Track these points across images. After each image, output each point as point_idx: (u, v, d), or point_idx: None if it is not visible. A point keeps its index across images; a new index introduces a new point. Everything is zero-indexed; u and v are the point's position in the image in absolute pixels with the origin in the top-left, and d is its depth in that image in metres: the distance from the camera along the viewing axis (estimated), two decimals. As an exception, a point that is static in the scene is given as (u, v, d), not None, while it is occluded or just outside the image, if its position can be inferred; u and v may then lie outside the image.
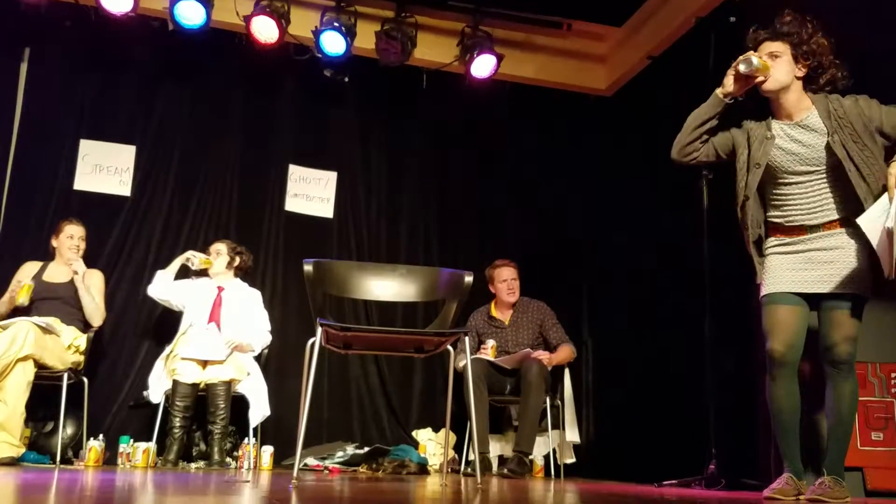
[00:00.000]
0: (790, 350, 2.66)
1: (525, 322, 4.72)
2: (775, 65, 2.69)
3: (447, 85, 5.34)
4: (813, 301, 2.70)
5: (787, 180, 2.73)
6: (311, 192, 5.33)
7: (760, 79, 2.69)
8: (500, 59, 5.10)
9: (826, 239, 2.68)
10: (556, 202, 5.64)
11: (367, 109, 5.48)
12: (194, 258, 4.54)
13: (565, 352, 4.59)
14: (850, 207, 2.64)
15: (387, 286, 2.93)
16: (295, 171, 5.30)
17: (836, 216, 2.67)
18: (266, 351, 4.72)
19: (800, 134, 2.71)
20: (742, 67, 2.69)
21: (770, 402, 2.71)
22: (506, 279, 4.72)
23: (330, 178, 5.37)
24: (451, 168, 5.59)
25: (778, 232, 2.78)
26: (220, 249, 4.65)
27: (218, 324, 4.43)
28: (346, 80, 5.18)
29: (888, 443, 3.13)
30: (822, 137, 2.67)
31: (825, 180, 2.68)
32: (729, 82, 2.75)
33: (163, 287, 4.52)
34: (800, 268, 2.70)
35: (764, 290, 2.76)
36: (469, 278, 2.92)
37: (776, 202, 2.78)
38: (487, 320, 4.78)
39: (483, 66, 5.13)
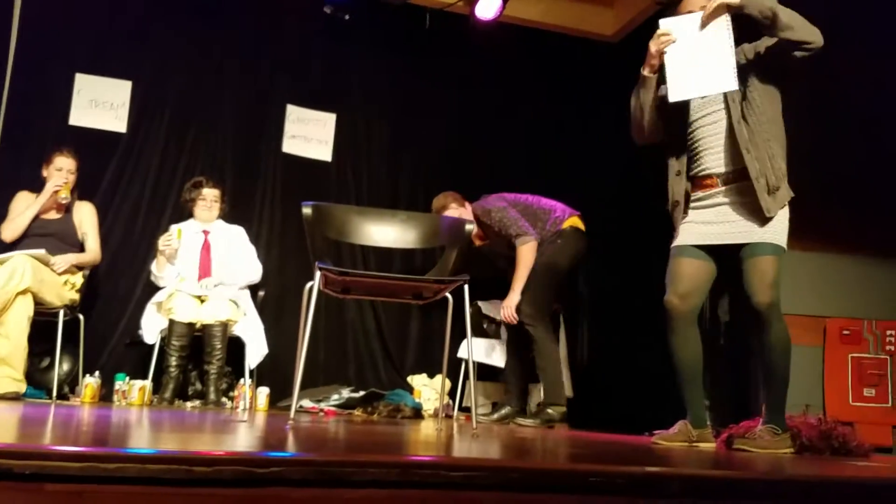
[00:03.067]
0: (683, 301, 2.71)
1: (494, 234, 4.46)
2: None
3: (451, 26, 5.23)
4: (727, 254, 2.71)
5: (697, 121, 2.76)
6: (309, 133, 5.26)
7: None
8: (505, 0, 4.98)
9: (734, 193, 2.68)
10: (558, 147, 5.57)
11: (368, 50, 5.37)
12: (168, 241, 4.39)
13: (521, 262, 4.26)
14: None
15: (387, 232, 2.91)
16: (293, 111, 5.22)
17: (740, 165, 2.66)
18: (262, 293, 4.72)
19: None
20: (653, 47, 2.77)
21: (671, 354, 2.75)
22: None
23: (329, 119, 5.29)
24: (453, 112, 5.50)
25: (695, 188, 2.79)
26: (217, 197, 4.57)
27: (209, 268, 4.41)
28: (348, 17, 5.06)
29: (880, 399, 3.17)
30: None
31: (729, 120, 2.69)
32: (648, 61, 2.81)
33: (164, 273, 4.46)
34: (710, 221, 2.72)
35: (672, 244, 2.81)
36: (471, 226, 2.89)
37: (692, 152, 2.79)
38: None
39: (488, 7, 5.02)
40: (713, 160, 2.72)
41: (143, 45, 4.98)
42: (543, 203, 4.38)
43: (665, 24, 2.77)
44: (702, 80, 2.65)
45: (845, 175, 3.98)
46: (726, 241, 2.68)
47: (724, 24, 2.64)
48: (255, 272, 4.57)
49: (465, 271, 2.72)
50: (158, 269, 4.44)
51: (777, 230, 2.63)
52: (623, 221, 5.06)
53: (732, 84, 2.61)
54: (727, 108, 2.70)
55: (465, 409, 4.71)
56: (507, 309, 4.21)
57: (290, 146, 5.21)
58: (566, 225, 4.28)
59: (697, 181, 2.78)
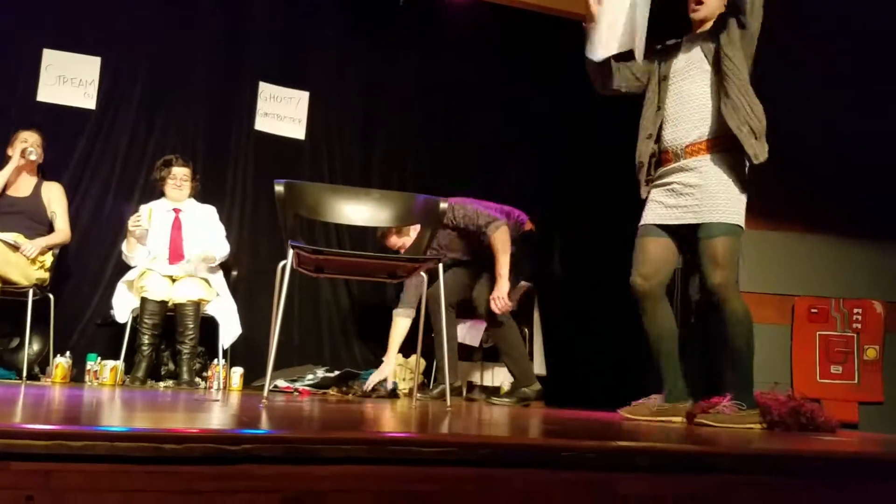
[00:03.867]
0: (647, 281, 2.75)
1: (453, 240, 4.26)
2: None
3: (425, 4, 5.18)
4: (686, 233, 2.73)
5: (674, 86, 2.78)
6: (282, 111, 5.20)
7: None
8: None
9: (687, 170, 2.70)
10: (535, 128, 5.56)
11: (342, 28, 5.30)
12: (137, 222, 4.31)
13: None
14: (718, 128, 2.65)
15: (360, 210, 2.89)
16: (265, 88, 5.15)
17: (701, 136, 2.68)
18: (235, 273, 4.68)
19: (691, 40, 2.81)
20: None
21: (644, 332, 2.80)
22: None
23: (302, 97, 5.24)
24: (428, 91, 5.46)
25: (658, 165, 2.82)
26: (187, 175, 4.50)
27: (180, 247, 4.37)
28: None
29: (847, 376, 3.23)
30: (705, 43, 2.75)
31: (696, 90, 2.72)
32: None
33: (135, 254, 4.40)
34: (665, 199, 2.75)
35: (639, 223, 2.86)
36: (444, 204, 2.89)
37: (663, 118, 2.80)
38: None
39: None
40: (678, 130, 2.73)
41: (113, 21, 4.87)
42: (503, 206, 4.29)
43: None
44: (616, 39, 2.69)
45: (813, 155, 4.02)
46: (683, 222, 2.70)
47: None
48: (222, 250, 4.51)
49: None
50: (129, 250, 4.38)
51: (731, 209, 2.64)
52: (599, 199, 5.08)
53: (639, 55, 2.66)
54: (705, 74, 2.70)
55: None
56: (500, 300, 3.94)
57: (262, 124, 5.14)
58: (528, 228, 4.22)
59: (662, 155, 2.79)
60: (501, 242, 3.92)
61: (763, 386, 2.87)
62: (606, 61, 2.85)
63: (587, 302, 5.20)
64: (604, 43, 2.74)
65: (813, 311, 3.65)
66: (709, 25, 2.75)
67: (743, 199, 2.67)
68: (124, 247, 4.43)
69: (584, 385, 4.92)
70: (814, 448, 1.88)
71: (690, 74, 2.73)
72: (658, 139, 2.79)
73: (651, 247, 2.76)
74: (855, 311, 3.61)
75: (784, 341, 3.66)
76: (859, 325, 3.77)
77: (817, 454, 1.68)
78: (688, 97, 2.72)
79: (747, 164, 2.68)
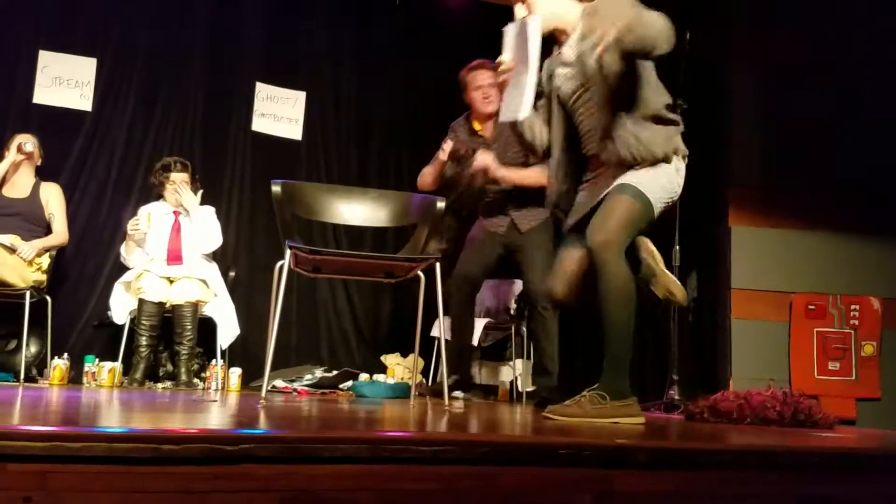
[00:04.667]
0: (563, 291, 2.52)
1: (510, 134, 4.16)
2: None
3: (423, 4, 5.18)
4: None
5: (575, 111, 2.52)
6: (279, 111, 5.20)
7: None
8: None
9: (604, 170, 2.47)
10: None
11: (338, 27, 5.30)
12: (136, 226, 4.30)
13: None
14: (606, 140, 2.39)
15: (357, 210, 2.89)
16: (262, 89, 5.15)
17: (596, 150, 2.44)
18: (233, 273, 4.68)
19: (571, 47, 2.51)
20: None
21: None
22: (480, 85, 3.89)
23: (299, 97, 5.23)
24: (424, 89, 5.46)
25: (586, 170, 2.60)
26: (186, 180, 4.47)
27: (179, 249, 4.36)
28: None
29: (844, 372, 3.24)
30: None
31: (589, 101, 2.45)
32: None
33: (133, 257, 4.39)
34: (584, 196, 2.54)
35: None
36: (441, 204, 2.89)
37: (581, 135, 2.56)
38: (469, 136, 4.03)
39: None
40: (591, 142, 2.51)
41: (109, 22, 4.87)
42: None
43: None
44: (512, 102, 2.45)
45: (810, 153, 4.03)
46: (593, 204, 2.44)
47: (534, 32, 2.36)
48: (215, 240, 4.47)
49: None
50: (127, 253, 4.38)
51: (643, 178, 2.34)
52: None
53: (525, 112, 2.43)
54: (589, 90, 2.45)
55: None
56: (485, 161, 3.65)
57: (259, 125, 5.14)
58: None
59: (589, 161, 2.57)
60: (540, 177, 3.49)
61: (759, 383, 2.88)
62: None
63: (583, 299, 5.18)
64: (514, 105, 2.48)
65: (811, 307, 3.66)
66: None
67: (664, 177, 2.38)
68: (123, 249, 4.42)
69: (582, 384, 4.91)
70: (811, 444, 1.88)
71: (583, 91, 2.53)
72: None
73: (564, 256, 2.54)
74: (852, 307, 3.62)
75: (782, 338, 3.67)
76: (857, 322, 3.78)
77: (815, 450, 1.69)
78: (590, 112, 2.52)
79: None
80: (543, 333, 3.85)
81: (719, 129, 4.05)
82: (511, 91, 2.48)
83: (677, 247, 3.65)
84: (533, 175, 3.63)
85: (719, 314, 3.91)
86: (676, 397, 3.50)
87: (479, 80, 3.88)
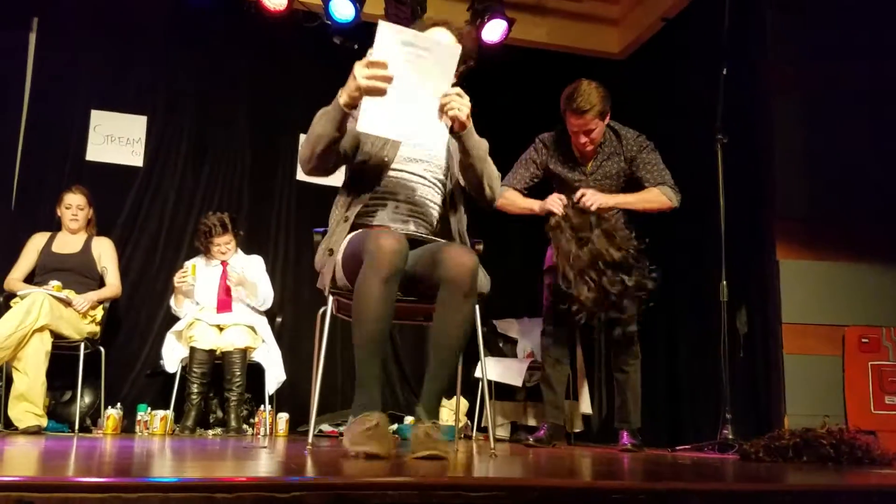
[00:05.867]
0: None
1: (611, 164, 3.63)
2: None
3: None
4: None
5: None
6: (322, 161, 5.31)
7: None
8: (511, 23, 5.02)
9: None
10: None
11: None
12: (183, 277, 4.41)
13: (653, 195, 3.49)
14: None
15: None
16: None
17: None
18: (280, 319, 4.75)
19: None
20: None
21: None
22: (577, 132, 3.57)
23: (341, 146, 5.35)
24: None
25: None
26: (229, 240, 4.54)
27: (228, 298, 4.45)
28: (356, 47, 5.12)
29: (903, 407, 3.14)
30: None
31: None
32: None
33: (182, 308, 4.51)
34: None
35: None
36: (479, 247, 2.90)
37: None
38: (563, 160, 3.70)
39: (494, 30, 5.05)
40: None
41: (157, 81, 5.07)
42: None
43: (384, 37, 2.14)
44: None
45: (855, 182, 3.96)
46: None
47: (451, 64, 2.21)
48: (267, 299, 4.58)
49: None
50: (177, 304, 4.49)
51: None
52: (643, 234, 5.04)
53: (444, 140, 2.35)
54: None
55: (483, 430, 4.69)
56: (593, 197, 3.41)
57: (303, 174, 5.24)
58: None
59: None
60: (663, 201, 3.53)
61: (814, 420, 2.80)
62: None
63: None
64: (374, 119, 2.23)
65: (864, 340, 3.56)
66: None
67: None
68: (172, 302, 4.53)
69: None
70: (871, 482, 1.82)
71: None
72: None
73: None
74: (907, 340, 3.52)
75: (835, 373, 3.57)
76: (913, 354, 3.66)
77: (875, 489, 1.63)
78: None
79: None
80: (632, 391, 3.73)
81: (762, 163, 4.02)
82: (400, 106, 2.22)
83: (724, 282, 3.61)
84: (644, 204, 3.52)
85: (771, 350, 3.83)
86: (730, 436, 3.41)
87: (576, 125, 3.59)
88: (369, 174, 2.53)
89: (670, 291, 4.66)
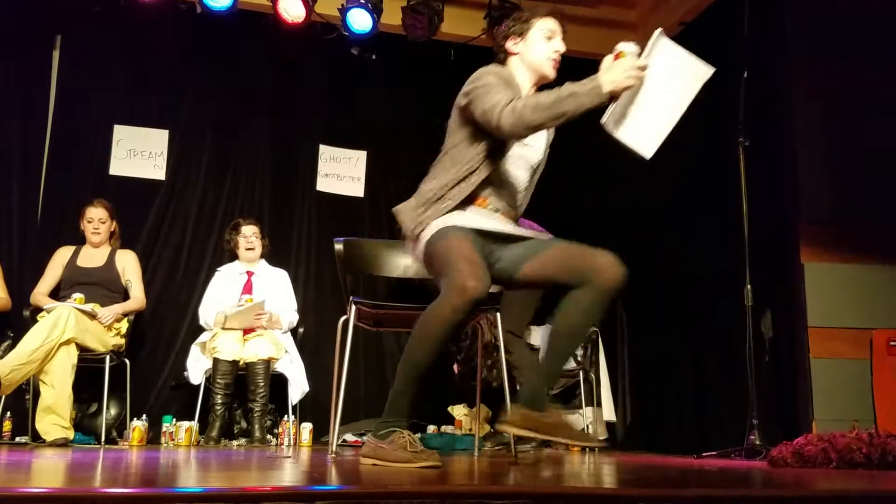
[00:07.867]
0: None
1: None
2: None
3: (476, 59, 5.25)
4: None
5: None
6: (341, 171, 5.36)
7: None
8: (528, 30, 5.01)
9: None
10: (589, 175, 5.55)
11: (395, 87, 5.45)
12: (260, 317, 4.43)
13: None
14: None
15: (416, 263, 2.92)
16: (325, 150, 5.33)
17: None
18: (302, 329, 4.77)
19: None
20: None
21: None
22: None
23: (360, 157, 5.38)
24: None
25: None
26: (256, 234, 4.65)
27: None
28: (374, 57, 5.15)
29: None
30: None
31: None
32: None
33: (209, 317, 4.53)
34: None
35: None
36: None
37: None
38: None
39: (512, 38, 5.05)
40: None
41: (178, 96, 5.13)
42: None
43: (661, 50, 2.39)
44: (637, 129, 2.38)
45: (880, 183, 3.91)
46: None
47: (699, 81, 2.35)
48: (289, 317, 4.63)
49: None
50: (214, 324, 4.46)
51: None
52: (667, 240, 5.01)
53: (647, 152, 2.38)
54: None
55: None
56: None
57: (323, 184, 5.31)
58: None
59: None
60: None
61: (843, 424, 2.76)
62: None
63: (655, 344, 5.09)
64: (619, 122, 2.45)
65: (892, 343, 3.49)
66: None
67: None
68: (209, 319, 4.51)
69: (657, 429, 4.80)
70: (904, 488, 1.78)
71: None
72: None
73: None
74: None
75: (863, 376, 3.50)
76: (943, 356, 3.58)
77: (908, 495, 1.60)
78: None
79: None
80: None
81: (784, 165, 3.98)
82: (636, 111, 2.41)
83: (749, 286, 3.57)
84: None
85: (797, 354, 3.78)
86: (758, 442, 3.37)
87: None
88: (492, 151, 2.64)
89: (694, 296, 4.63)
